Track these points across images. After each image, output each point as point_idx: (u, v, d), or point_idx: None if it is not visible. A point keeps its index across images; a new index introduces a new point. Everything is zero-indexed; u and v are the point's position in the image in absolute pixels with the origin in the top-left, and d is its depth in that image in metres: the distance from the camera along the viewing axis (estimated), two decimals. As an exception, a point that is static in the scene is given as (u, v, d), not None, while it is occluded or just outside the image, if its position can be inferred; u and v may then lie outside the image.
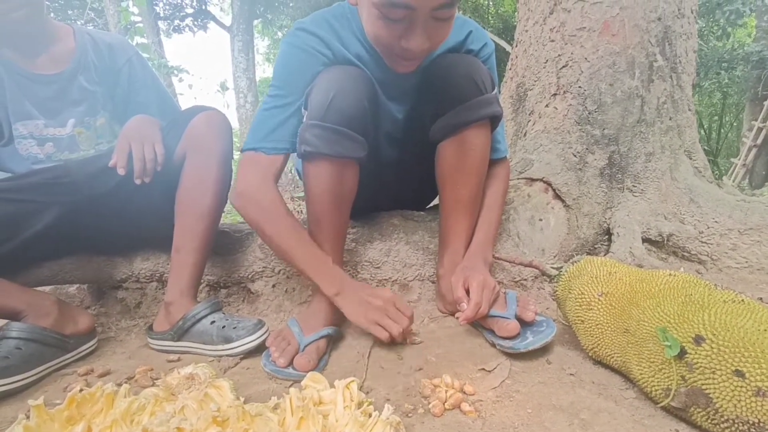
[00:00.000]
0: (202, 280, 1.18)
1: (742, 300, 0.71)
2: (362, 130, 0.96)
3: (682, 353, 0.67)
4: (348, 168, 0.98)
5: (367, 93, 0.96)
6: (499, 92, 1.15)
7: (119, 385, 0.76)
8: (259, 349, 0.98)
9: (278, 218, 0.96)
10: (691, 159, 1.52)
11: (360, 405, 0.71)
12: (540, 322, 0.94)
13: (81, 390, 0.71)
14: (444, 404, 0.74)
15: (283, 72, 1.00)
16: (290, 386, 0.85)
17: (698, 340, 0.66)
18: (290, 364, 0.90)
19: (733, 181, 6.71)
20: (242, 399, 0.74)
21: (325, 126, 0.92)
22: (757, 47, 7.21)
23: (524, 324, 0.93)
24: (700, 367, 0.64)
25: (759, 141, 7.16)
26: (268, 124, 1.00)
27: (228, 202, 1.12)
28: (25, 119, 1.15)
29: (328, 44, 0.99)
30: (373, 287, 0.95)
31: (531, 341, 0.89)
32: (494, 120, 1.04)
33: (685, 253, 1.35)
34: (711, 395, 0.63)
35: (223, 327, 0.99)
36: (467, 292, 0.94)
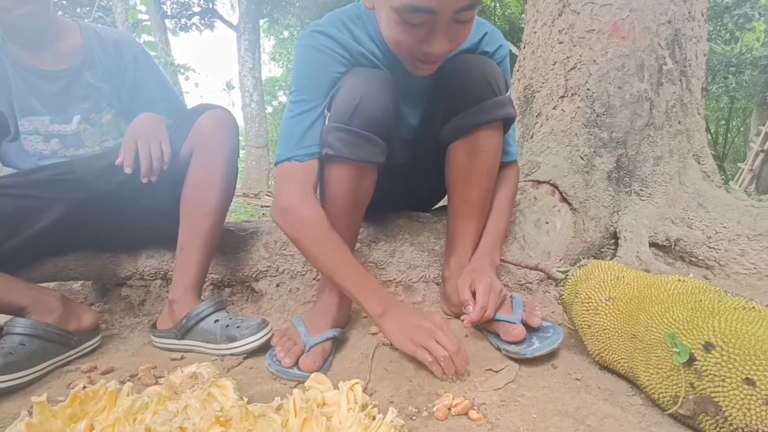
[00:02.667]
0: (206, 279, 1.18)
1: (753, 307, 0.70)
2: (385, 134, 0.95)
3: (691, 360, 0.66)
4: (367, 172, 0.97)
5: (392, 97, 0.95)
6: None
7: (122, 382, 0.76)
8: (263, 349, 0.98)
9: (322, 235, 0.92)
10: (699, 163, 1.51)
11: (364, 407, 0.70)
12: (546, 328, 0.93)
13: (84, 387, 0.71)
14: (450, 410, 0.74)
15: (303, 76, 0.98)
16: (295, 387, 0.84)
17: (708, 347, 0.65)
18: (295, 364, 0.89)
19: (740, 186, 6.67)
20: (245, 399, 0.73)
21: (349, 129, 0.90)
22: (766, 51, 7.17)
23: (530, 329, 0.92)
24: (710, 374, 0.63)
25: (766, 146, 7.11)
26: (297, 131, 0.95)
27: (231, 201, 1.12)
28: (31, 115, 1.15)
29: (344, 45, 0.97)
30: (422, 311, 0.90)
31: (537, 347, 0.88)
32: (507, 122, 1.03)
33: (692, 259, 1.34)
34: (720, 403, 0.62)
35: (227, 326, 0.99)
36: (473, 294, 0.94)
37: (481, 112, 0.98)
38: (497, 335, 0.95)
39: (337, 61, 0.97)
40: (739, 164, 8.04)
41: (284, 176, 0.95)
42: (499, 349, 0.94)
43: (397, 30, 0.83)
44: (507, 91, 1.01)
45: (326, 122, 0.95)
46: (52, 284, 1.26)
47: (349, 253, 0.94)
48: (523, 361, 0.89)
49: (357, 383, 0.74)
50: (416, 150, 1.18)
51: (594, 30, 1.46)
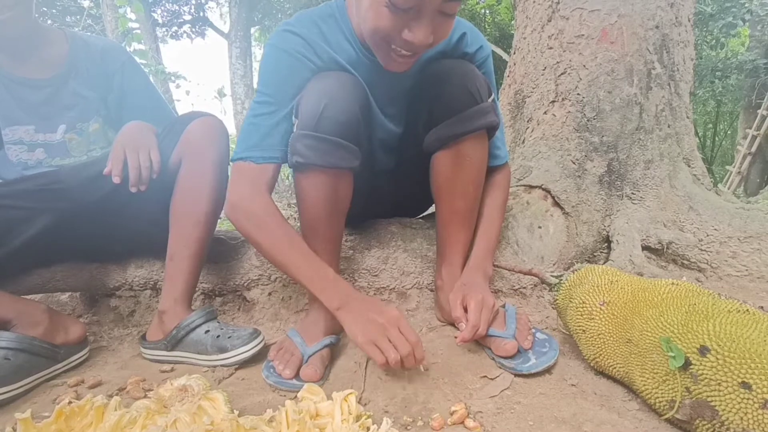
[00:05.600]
0: (196, 288, 1.16)
1: (747, 310, 0.70)
2: (355, 139, 0.93)
3: (687, 364, 0.65)
4: (342, 178, 0.95)
5: (360, 100, 0.93)
6: (498, 98, 1.12)
7: (110, 396, 0.74)
8: (255, 359, 0.96)
9: (274, 229, 0.91)
10: (689, 166, 1.52)
11: (358, 418, 0.69)
12: (542, 341, 0.92)
13: (70, 402, 0.69)
14: (447, 421, 0.73)
15: (270, 77, 0.96)
16: (292, 398, 0.83)
17: (703, 350, 0.64)
18: (296, 375, 0.88)
19: (729, 188, 6.75)
20: (237, 411, 0.72)
21: (317, 136, 0.89)
22: (751, 56, 7.29)
23: None
24: (706, 378, 0.63)
25: (753, 149, 7.21)
26: (257, 132, 0.95)
27: (221, 210, 1.11)
28: (15, 124, 1.13)
29: (315, 47, 0.96)
30: (381, 303, 0.88)
31: (534, 363, 0.87)
32: (490, 130, 1.01)
33: (684, 261, 1.34)
34: (717, 407, 0.62)
35: (218, 336, 0.97)
36: (466, 310, 0.92)
37: (461, 122, 0.96)
38: (491, 349, 0.94)
39: (306, 66, 0.95)
40: (727, 167, 8.14)
41: (237, 174, 0.95)
42: (494, 360, 0.94)
43: (381, 13, 0.80)
44: (490, 95, 0.99)
45: (293, 129, 0.93)
46: (38, 296, 1.24)
47: (304, 246, 0.91)
48: (518, 371, 0.89)
49: (351, 393, 0.73)
50: (401, 156, 1.16)
51: (583, 35, 1.47)
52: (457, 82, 0.96)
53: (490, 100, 0.99)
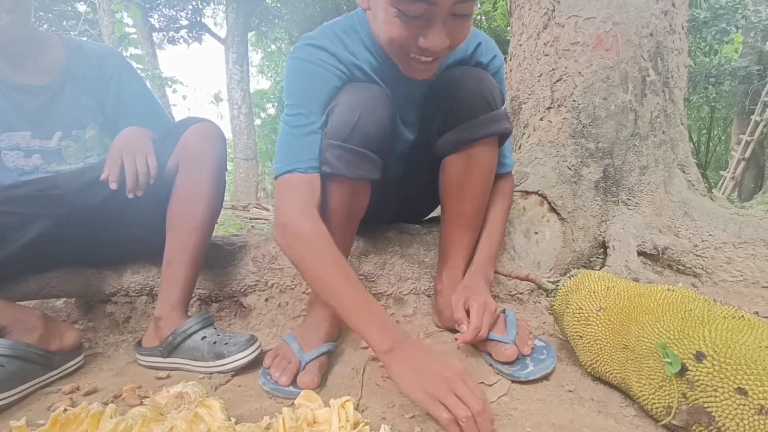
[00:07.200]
0: (193, 294, 1.16)
1: (742, 316, 0.71)
2: (381, 151, 0.93)
3: (683, 370, 0.66)
4: (361, 188, 0.96)
5: (389, 113, 0.94)
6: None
7: (105, 404, 0.74)
8: (252, 366, 0.96)
9: (323, 256, 0.85)
10: (684, 172, 1.53)
11: (356, 425, 0.69)
12: (540, 349, 0.92)
13: (65, 410, 0.69)
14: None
15: (299, 89, 0.94)
16: (290, 405, 0.82)
17: (699, 356, 0.65)
18: (293, 382, 0.87)
19: (723, 194, 6.80)
20: (233, 419, 0.71)
21: (347, 147, 0.89)
22: (744, 63, 7.36)
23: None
24: (702, 384, 0.63)
25: (747, 154, 7.28)
26: (299, 144, 0.92)
27: (219, 215, 1.11)
28: (11, 130, 1.13)
29: (338, 57, 0.95)
30: (440, 353, 0.80)
31: (532, 370, 0.87)
32: (503, 137, 1.03)
33: (680, 267, 1.35)
34: (713, 413, 0.62)
35: (215, 343, 0.97)
36: (467, 313, 0.92)
37: (476, 126, 0.97)
38: (490, 354, 0.94)
39: (332, 73, 0.94)
40: (721, 172, 8.20)
41: (285, 189, 0.90)
42: (491, 365, 0.94)
43: (394, 24, 0.80)
44: (503, 103, 1.00)
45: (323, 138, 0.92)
46: (33, 302, 1.23)
47: (355, 278, 0.85)
48: (515, 379, 0.88)
49: (349, 400, 0.72)
50: (410, 163, 1.17)
51: (579, 42, 1.48)
52: (473, 87, 0.96)
53: (503, 107, 1.00)
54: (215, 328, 1.02)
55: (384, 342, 0.77)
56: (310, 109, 0.93)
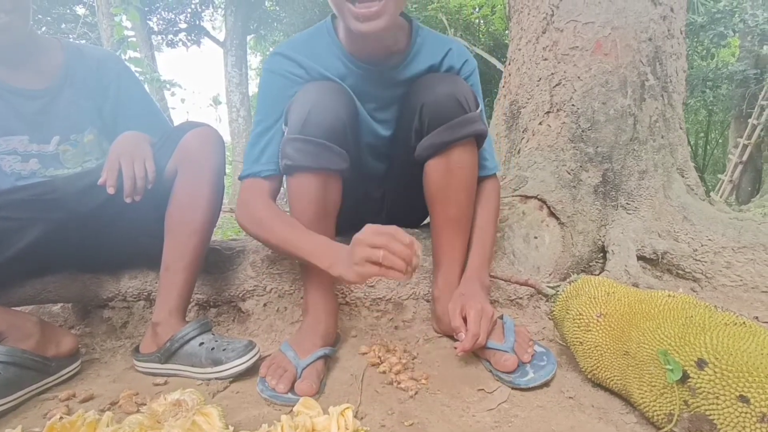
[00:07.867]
0: (191, 299, 1.15)
1: (744, 322, 0.70)
2: (341, 141, 0.96)
3: (685, 377, 0.65)
4: (330, 180, 0.98)
5: (344, 104, 0.98)
6: (485, 108, 1.15)
7: (102, 411, 0.73)
8: (250, 372, 0.95)
9: (272, 218, 0.97)
10: (683, 177, 1.53)
11: (354, 433, 0.68)
12: (540, 355, 0.92)
13: (61, 417, 0.68)
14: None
15: (264, 99, 1.05)
16: (288, 412, 0.82)
17: (701, 364, 0.64)
18: (290, 390, 0.87)
19: (721, 197, 6.81)
20: (231, 426, 0.71)
21: (304, 139, 0.93)
22: (741, 66, 7.39)
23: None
24: (704, 392, 0.63)
25: (744, 158, 7.30)
26: (257, 149, 1.03)
27: (219, 218, 1.10)
28: (8, 134, 1.12)
29: (302, 65, 1.03)
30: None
31: (532, 377, 0.86)
32: (479, 138, 1.04)
33: (679, 271, 1.35)
34: (715, 421, 0.61)
35: (212, 349, 0.96)
36: (465, 320, 0.92)
37: (450, 130, 0.99)
38: (489, 361, 0.93)
39: (295, 82, 1.02)
40: (719, 175, 8.22)
41: (249, 190, 1.03)
42: (491, 372, 0.93)
43: None
44: (477, 107, 1.03)
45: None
46: (29, 307, 1.22)
47: (298, 224, 0.95)
48: (515, 384, 0.88)
49: (348, 408, 0.72)
50: (393, 163, 1.19)
51: (577, 47, 1.48)
52: (445, 91, 1.00)
53: (478, 110, 1.03)
54: (213, 334, 1.02)
55: (326, 260, 0.87)
56: (269, 115, 1.03)
